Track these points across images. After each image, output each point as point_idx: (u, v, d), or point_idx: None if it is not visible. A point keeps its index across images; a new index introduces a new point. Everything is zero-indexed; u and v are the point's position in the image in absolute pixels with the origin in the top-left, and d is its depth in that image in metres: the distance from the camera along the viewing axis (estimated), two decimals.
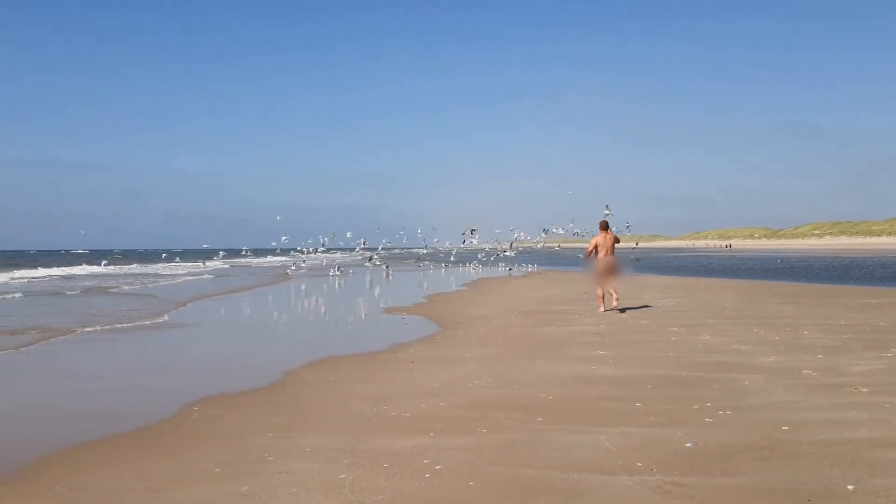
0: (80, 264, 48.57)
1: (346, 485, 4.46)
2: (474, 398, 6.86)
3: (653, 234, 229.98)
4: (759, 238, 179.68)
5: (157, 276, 36.31)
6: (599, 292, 15.12)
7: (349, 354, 9.91)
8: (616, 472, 4.58)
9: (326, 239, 36.61)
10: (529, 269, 38.64)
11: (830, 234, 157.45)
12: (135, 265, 50.79)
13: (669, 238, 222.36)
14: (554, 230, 35.05)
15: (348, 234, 37.09)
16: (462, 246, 39.46)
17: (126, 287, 26.53)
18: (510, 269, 37.91)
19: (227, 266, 48.16)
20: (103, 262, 47.63)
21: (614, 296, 14.92)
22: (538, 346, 10.20)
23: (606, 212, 21.52)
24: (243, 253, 43.42)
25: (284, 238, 35.22)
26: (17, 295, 22.12)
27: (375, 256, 42.91)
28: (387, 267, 39.99)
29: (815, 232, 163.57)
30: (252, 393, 7.43)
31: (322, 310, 18.08)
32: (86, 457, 5.28)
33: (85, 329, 12.80)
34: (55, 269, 43.00)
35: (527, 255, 55.84)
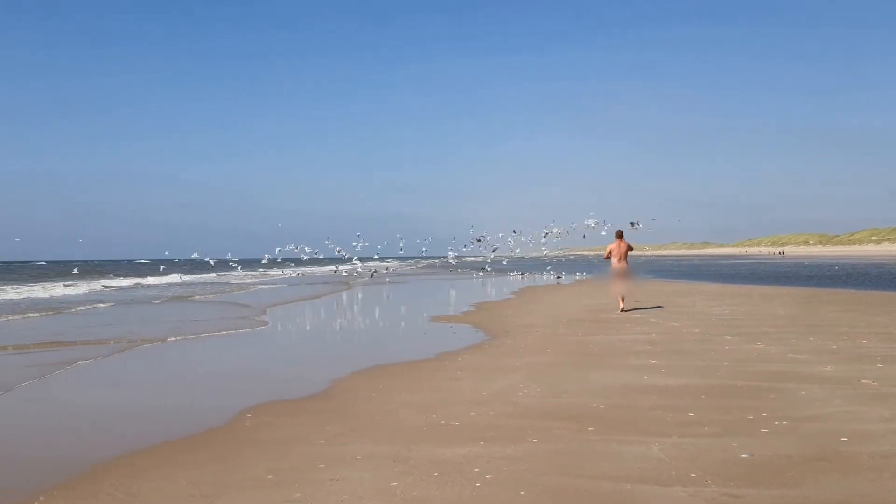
0: (153, 275, 50.28)
1: (397, 493, 4.49)
2: (524, 407, 6.85)
3: (705, 241, 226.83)
4: (815, 244, 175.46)
5: (229, 284, 37.70)
6: (618, 295, 16.52)
7: (398, 362, 9.98)
8: (670, 483, 4.52)
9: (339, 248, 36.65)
10: (578, 277, 38.43)
11: (889, 239, 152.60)
12: (212, 275, 52.54)
13: (722, 245, 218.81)
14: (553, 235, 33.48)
15: (358, 243, 37.28)
16: (465, 251, 39.41)
17: (205, 296, 27.68)
18: (559, 278, 37.72)
19: (296, 275, 50.54)
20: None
21: (622, 299, 16.24)
22: (588, 355, 10.12)
23: (590, 220, 22.08)
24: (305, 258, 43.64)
25: (281, 246, 35.70)
26: (109, 304, 23.42)
27: (373, 266, 43.85)
28: (373, 273, 40.88)
29: (873, 238, 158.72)
30: (304, 400, 7.53)
31: (372, 318, 18.22)
32: (144, 462, 5.41)
33: (169, 338, 13.30)
34: (132, 278, 44.92)
35: (532, 263, 55.53)
